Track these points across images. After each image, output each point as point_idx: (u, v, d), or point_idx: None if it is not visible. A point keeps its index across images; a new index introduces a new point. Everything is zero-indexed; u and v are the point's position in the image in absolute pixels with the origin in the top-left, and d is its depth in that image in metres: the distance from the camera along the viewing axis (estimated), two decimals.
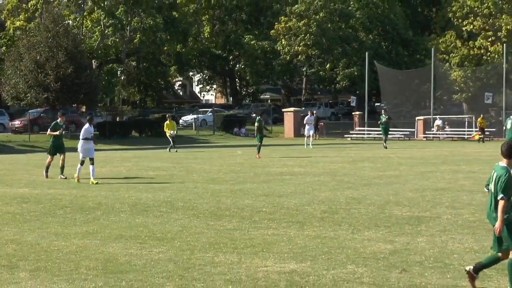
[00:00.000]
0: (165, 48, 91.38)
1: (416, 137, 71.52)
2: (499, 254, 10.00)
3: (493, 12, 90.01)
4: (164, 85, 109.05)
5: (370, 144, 61.41)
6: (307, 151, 46.30)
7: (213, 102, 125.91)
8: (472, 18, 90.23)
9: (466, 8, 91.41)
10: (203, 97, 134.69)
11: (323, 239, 13.91)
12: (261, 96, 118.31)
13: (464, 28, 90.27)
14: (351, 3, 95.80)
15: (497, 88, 77.51)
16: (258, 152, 40.01)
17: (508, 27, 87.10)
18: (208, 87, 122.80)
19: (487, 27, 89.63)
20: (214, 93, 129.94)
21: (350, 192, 21.94)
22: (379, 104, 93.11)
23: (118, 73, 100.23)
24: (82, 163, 25.88)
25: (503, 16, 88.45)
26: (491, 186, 10.01)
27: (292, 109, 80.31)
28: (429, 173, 28.81)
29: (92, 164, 25.78)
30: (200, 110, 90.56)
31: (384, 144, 50.55)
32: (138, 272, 11.34)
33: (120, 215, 17.56)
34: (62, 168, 27.57)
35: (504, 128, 29.37)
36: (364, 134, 75.10)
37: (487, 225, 15.14)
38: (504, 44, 77.97)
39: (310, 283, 10.48)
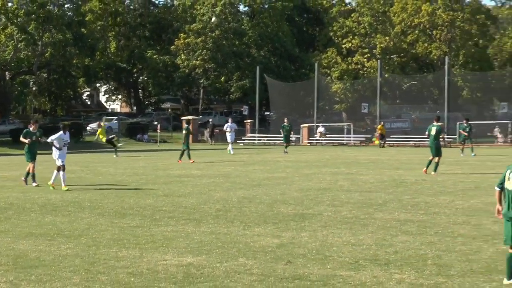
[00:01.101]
0: (74, 61, 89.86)
1: (301, 142, 72.30)
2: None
3: (369, 32, 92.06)
4: (73, 95, 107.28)
5: (260, 149, 61.75)
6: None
7: (119, 110, 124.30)
8: (350, 36, 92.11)
9: (346, 28, 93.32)
10: (109, 106, 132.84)
11: (217, 235, 13.92)
12: (163, 106, 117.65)
13: (343, 46, 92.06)
14: (244, 22, 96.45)
15: (372, 99, 79.16)
16: (189, 157, 37.83)
17: (382, 45, 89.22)
18: (114, 97, 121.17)
19: (363, 45, 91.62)
20: (119, 103, 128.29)
21: (242, 192, 22.03)
22: (268, 113, 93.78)
23: (30, 83, 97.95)
24: (63, 168, 23.57)
25: (377, 36, 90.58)
26: (507, 184, 9.51)
27: (190, 117, 79.89)
28: (312, 175, 29.17)
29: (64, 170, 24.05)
30: (106, 118, 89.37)
31: (285, 150, 50.59)
32: (47, 267, 11.11)
33: (30, 215, 17.17)
34: (33, 175, 25.19)
35: (427, 133, 29.91)
36: (255, 140, 75.47)
37: (363, 221, 15.49)
38: (379, 60, 79.74)
39: (205, 275, 10.47)
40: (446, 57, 75.58)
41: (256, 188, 23.23)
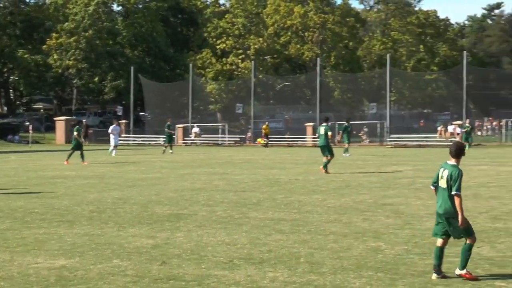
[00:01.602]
0: None
1: (176, 143, 72.08)
2: (468, 240, 9.93)
3: (243, 33, 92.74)
4: None
5: (135, 149, 61.16)
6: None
7: None
8: (225, 37, 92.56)
9: (220, 29, 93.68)
10: None
11: (91, 237, 13.67)
12: (35, 106, 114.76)
13: (218, 47, 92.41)
14: (118, 22, 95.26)
15: (247, 100, 79.84)
16: (82, 158, 37.20)
17: (255, 46, 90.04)
18: None
19: (237, 46, 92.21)
20: None
21: (117, 193, 21.75)
22: (143, 113, 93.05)
23: None
24: None
25: (251, 37, 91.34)
26: (441, 183, 10.00)
27: (63, 117, 78.40)
28: (188, 175, 29.13)
29: None
30: None
31: (170, 150, 50.34)
32: None
33: None
34: None
35: (317, 134, 30.20)
36: (129, 140, 74.69)
37: (237, 220, 15.56)
38: (253, 61, 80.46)
39: (78, 277, 10.26)
40: (318, 58, 77.13)
41: (130, 189, 22.99)
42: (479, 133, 79.50)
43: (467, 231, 9.93)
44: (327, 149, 29.32)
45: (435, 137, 63.54)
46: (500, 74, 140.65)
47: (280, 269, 10.67)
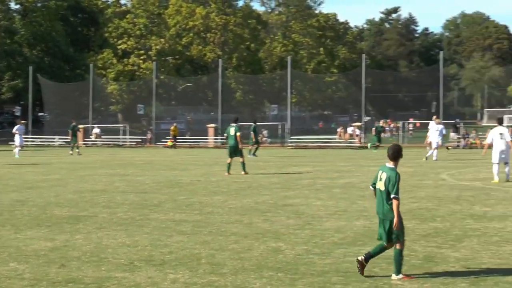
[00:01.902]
0: None
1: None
2: (385, 244, 10.06)
3: (144, 34, 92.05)
4: None
5: (34, 150, 59.84)
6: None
7: None
8: (126, 38, 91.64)
9: (121, 29, 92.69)
10: None
11: None
12: None
13: (119, 47, 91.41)
14: (16, 20, 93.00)
15: (148, 101, 79.22)
16: None
17: (157, 47, 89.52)
18: None
19: (139, 46, 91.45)
20: None
21: (15, 195, 21.23)
22: (42, 114, 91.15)
23: None
24: None
25: (153, 37, 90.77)
26: (379, 185, 10.07)
27: None
28: (88, 176, 28.71)
29: None
30: None
31: (77, 150, 49.52)
32: None
33: None
34: None
35: (225, 135, 29.98)
36: (28, 141, 72.96)
37: (138, 222, 15.43)
38: (154, 62, 79.95)
39: None
40: (220, 59, 77.27)
41: (29, 191, 22.49)
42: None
43: (398, 236, 10.05)
44: (237, 150, 29.29)
45: (335, 139, 64.59)
46: (397, 77, 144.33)
47: (181, 271, 10.64)
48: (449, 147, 52.17)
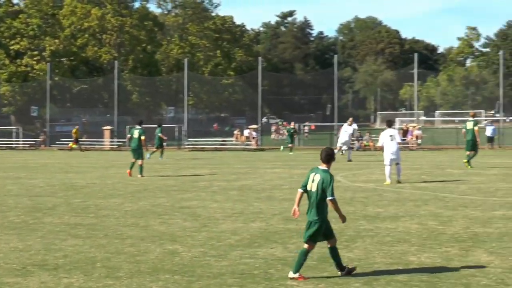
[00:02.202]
0: None
1: None
2: (329, 245, 10.23)
3: (38, 34, 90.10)
4: None
5: None
6: None
7: None
8: (19, 38, 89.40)
9: (14, 29, 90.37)
10: None
11: None
12: None
13: (11, 47, 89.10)
14: None
15: (42, 102, 77.43)
16: None
17: (51, 48, 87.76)
18: None
19: (32, 47, 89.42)
20: None
21: None
22: None
23: None
24: None
25: (47, 38, 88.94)
26: (312, 187, 10.12)
27: None
28: None
29: None
30: None
31: None
32: None
33: None
34: None
35: (129, 136, 29.52)
36: None
37: (32, 225, 15.08)
38: (48, 63, 78.32)
39: None
40: (116, 61, 76.34)
41: None
42: (273, 136, 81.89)
43: (313, 238, 10.16)
44: (139, 153, 29.15)
45: (231, 141, 64.82)
46: (293, 79, 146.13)
47: (75, 275, 10.46)
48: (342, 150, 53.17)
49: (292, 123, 56.62)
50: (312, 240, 10.17)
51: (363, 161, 39.83)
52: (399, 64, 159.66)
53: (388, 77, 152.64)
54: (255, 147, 58.71)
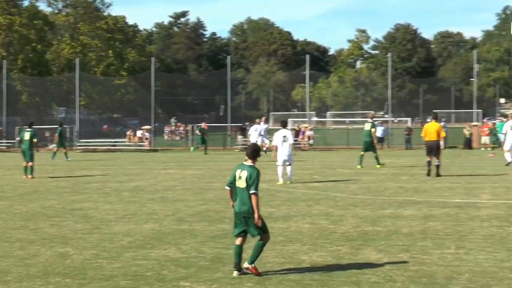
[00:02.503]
0: None
1: None
2: (262, 239, 10.35)
3: None
4: None
5: None
6: None
7: None
8: None
9: None
10: None
11: None
12: None
13: None
14: None
15: None
16: None
17: None
18: None
19: None
20: None
21: None
22: None
23: None
24: None
25: None
26: (239, 184, 10.27)
27: None
28: None
29: None
30: None
31: None
32: None
33: None
34: None
35: (18, 138, 28.56)
36: None
37: None
38: None
39: None
40: (4, 61, 74.22)
41: None
42: (166, 137, 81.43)
43: (263, 230, 10.33)
44: (30, 155, 28.49)
45: (124, 142, 64.05)
46: (187, 80, 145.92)
47: None
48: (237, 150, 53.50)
49: (203, 123, 56.42)
50: (263, 231, 10.35)
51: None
52: (291, 65, 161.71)
53: (280, 78, 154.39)
54: (148, 148, 58.23)
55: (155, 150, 57.17)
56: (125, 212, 17.48)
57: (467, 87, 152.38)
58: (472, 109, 69.20)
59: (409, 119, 76.66)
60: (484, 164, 33.56)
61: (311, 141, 58.04)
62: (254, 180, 10.26)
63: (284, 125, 26.12)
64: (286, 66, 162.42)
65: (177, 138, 78.25)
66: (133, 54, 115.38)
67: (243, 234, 10.44)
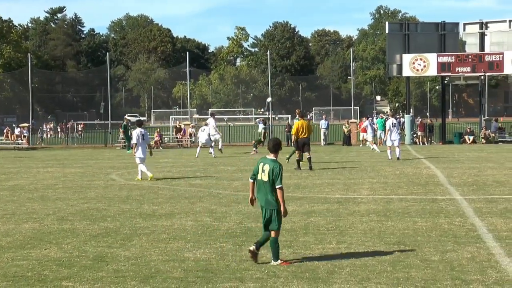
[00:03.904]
0: None
1: None
2: (273, 234, 10.66)
3: None
4: None
5: None
6: None
7: None
8: None
9: None
10: None
11: None
12: None
13: None
14: None
15: None
16: None
17: None
18: None
19: None
20: None
21: None
22: None
23: None
24: None
25: None
26: (262, 177, 10.61)
27: None
28: None
29: None
30: None
31: None
32: None
33: None
34: None
35: None
36: None
37: None
38: None
39: None
40: None
41: None
42: (45, 135, 79.54)
43: (278, 224, 10.66)
44: None
45: (1, 140, 62.20)
46: (65, 77, 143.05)
47: None
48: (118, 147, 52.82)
49: (126, 120, 54.71)
50: (278, 226, 10.69)
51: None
52: (171, 62, 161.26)
53: (161, 75, 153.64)
54: (26, 146, 56.76)
55: (34, 148, 55.79)
56: (3, 211, 16.99)
57: (345, 85, 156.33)
58: (350, 106, 70.96)
59: (289, 116, 77.83)
60: (362, 160, 34.40)
61: (192, 139, 58.02)
62: (277, 174, 10.60)
63: (139, 124, 26.25)
64: (167, 63, 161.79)
65: (58, 135, 76.66)
66: (9, 50, 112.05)
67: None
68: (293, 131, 28.55)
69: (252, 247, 10.84)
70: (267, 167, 10.71)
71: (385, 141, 36.79)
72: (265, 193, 10.70)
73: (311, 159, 28.24)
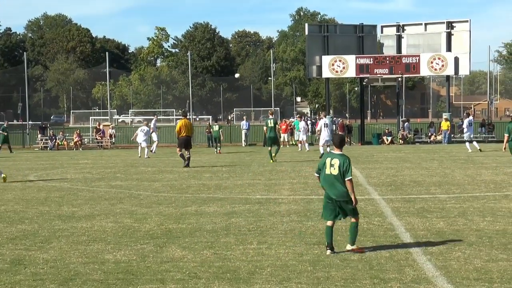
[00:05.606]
0: None
1: None
2: (353, 219, 11.49)
3: None
4: None
5: None
6: None
7: None
8: None
9: None
10: None
11: None
12: None
13: None
14: None
15: None
16: None
17: None
18: None
19: None
20: None
21: None
22: None
23: None
24: None
25: None
26: (331, 171, 11.32)
27: None
28: None
29: None
30: None
31: None
32: None
33: None
34: None
35: None
36: None
37: None
38: None
39: None
40: None
41: None
42: None
43: (356, 211, 11.50)
44: None
45: None
46: None
47: None
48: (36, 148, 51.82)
49: (6, 122, 53.49)
50: (355, 213, 11.47)
51: (55, 160, 38.99)
52: (91, 62, 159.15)
53: (80, 75, 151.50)
54: None
55: None
56: None
57: (265, 86, 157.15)
58: (270, 107, 71.37)
59: (210, 117, 77.72)
60: (283, 160, 34.62)
61: (113, 140, 57.42)
62: (347, 167, 11.28)
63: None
64: (86, 63, 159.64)
65: None
66: None
67: (334, 217, 11.48)
68: (177, 129, 30.65)
69: (350, 247, 11.47)
70: (336, 161, 11.39)
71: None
72: (336, 186, 11.38)
73: (190, 158, 30.65)
